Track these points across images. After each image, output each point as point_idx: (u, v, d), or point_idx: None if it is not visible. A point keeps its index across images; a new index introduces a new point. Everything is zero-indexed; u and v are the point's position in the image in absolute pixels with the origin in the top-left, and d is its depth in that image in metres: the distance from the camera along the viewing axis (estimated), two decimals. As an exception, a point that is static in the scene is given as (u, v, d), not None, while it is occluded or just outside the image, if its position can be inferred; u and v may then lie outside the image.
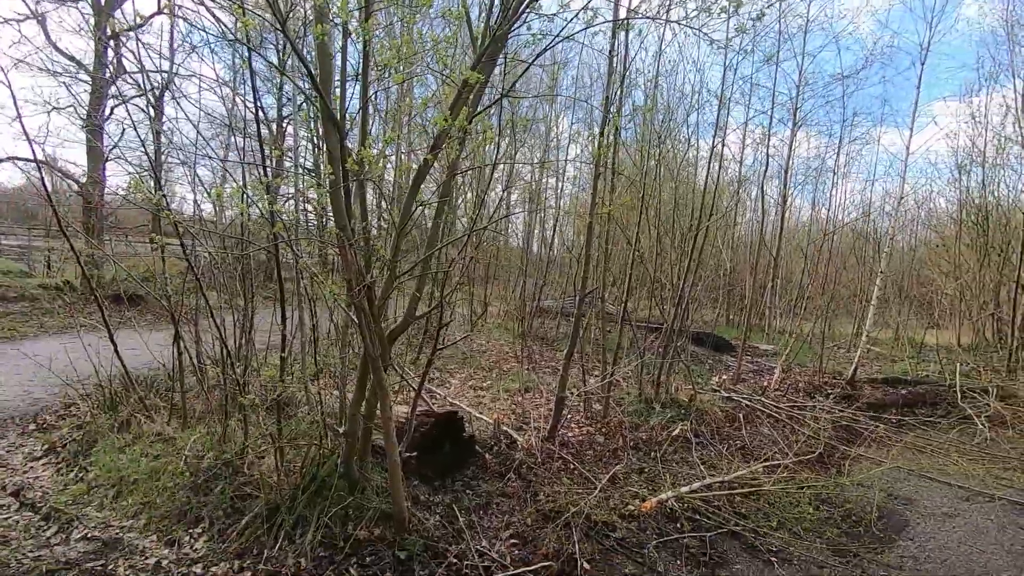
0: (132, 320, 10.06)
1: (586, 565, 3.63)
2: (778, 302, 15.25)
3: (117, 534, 3.58)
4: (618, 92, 5.35)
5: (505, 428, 5.14)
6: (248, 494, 3.77)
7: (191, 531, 3.59)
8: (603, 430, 5.72)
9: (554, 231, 11.77)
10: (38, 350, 8.70)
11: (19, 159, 13.68)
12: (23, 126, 4.28)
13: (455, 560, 3.44)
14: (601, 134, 4.81)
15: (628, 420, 5.96)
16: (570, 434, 5.50)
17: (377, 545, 3.47)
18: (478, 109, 3.18)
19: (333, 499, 3.57)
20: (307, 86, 3.20)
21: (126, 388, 5.23)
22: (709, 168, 6.88)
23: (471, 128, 2.87)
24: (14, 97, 4.34)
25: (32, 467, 4.53)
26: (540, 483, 4.50)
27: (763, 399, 7.62)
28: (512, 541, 3.78)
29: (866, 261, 13.17)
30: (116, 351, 4.67)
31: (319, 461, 3.73)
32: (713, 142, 6.79)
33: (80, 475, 4.24)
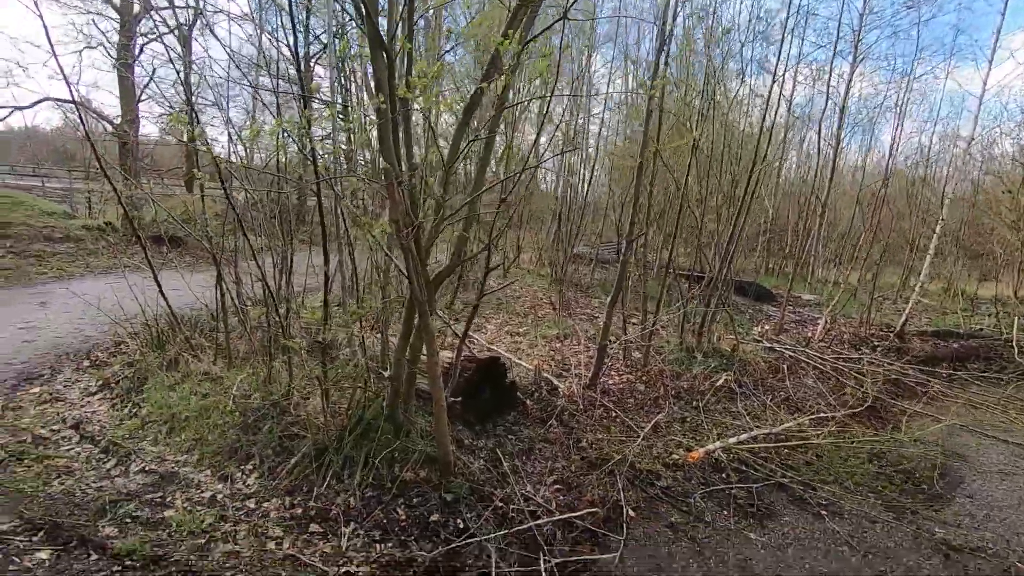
0: (173, 261, 10.24)
1: (631, 512, 3.60)
2: (823, 250, 14.61)
3: (173, 468, 3.69)
4: (672, 20, 4.91)
5: (546, 375, 5.08)
6: (295, 434, 3.81)
7: (242, 468, 3.67)
8: (644, 379, 5.63)
9: (590, 175, 11.33)
10: (85, 289, 8.95)
11: (56, 99, 13.71)
12: (59, 64, 4.12)
13: (501, 504, 3.45)
14: (656, 67, 4.43)
15: (669, 369, 5.84)
16: (611, 382, 5.42)
17: (423, 487, 3.49)
18: (530, 36, 2.91)
19: (379, 441, 3.58)
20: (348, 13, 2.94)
21: (172, 328, 5.31)
22: (768, 106, 6.37)
23: (525, 52, 2.61)
24: (47, 33, 4.19)
25: (89, 402, 4.69)
26: (582, 430, 4.46)
27: (807, 350, 7.39)
28: (556, 487, 3.77)
29: (921, 208, 12.40)
30: (161, 291, 4.70)
31: (364, 404, 3.72)
32: (774, 78, 6.27)
33: (134, 411, 4.36)
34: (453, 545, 3.08)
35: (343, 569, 2.86)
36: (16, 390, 4.90)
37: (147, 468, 3.67)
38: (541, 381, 4.94)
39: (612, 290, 5.20)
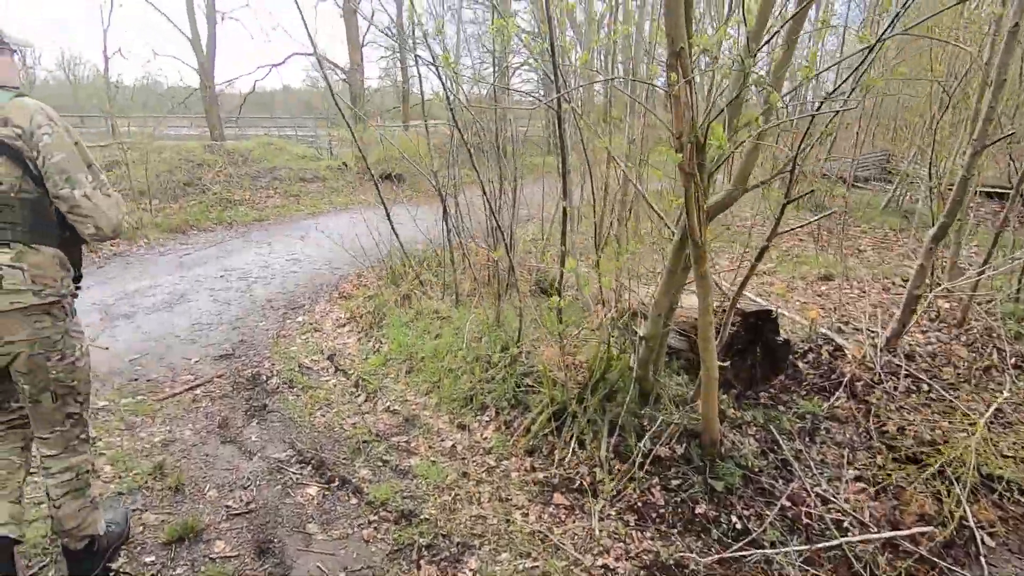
0: (397, 196, 10.93)
1: (987, 539, 2.54)
2: None
3: (414, 410, 3.65)
4: None
5: (823, 330, 3.99)
6: (529, 387, 3.47)
7: (479, 418, 3.48)
8: (963, 339, 4.14)
9: (862, 72, 8.78)
10: (332, 224, 10.02)
11: (301, 53, 15.37)
12: (305, 22, 4.16)
13: (788, 503, 2.68)
14: None
15: (1001, 327, 4.21)
16: (914, 342, 4.08)
17: (682, 467, 2.88)
18: None
19: (626, 407, 3.03)
20: None
21: (404, 264, 5.41)
22: None
23: None
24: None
25: (340, 333, 5.03)
26: (885, 408, 3.36)
27: None
28: (860, 485, 2.84)
29: None
30: (393, 229, 4.70)
31: (607, 361, 3.18)
32: None
33: (377, 347, 4.51)
34: (732, 551, 2.43)
35: (599, 560, 2.43)
36: (286, 318, 5.51)
37: (391, 408, 3.70)
38: (818, 338, 3.88)
39: (934, 220, 3.75)
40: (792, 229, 3.44)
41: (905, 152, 7.71)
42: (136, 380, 4.14)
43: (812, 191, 3.52)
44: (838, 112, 2.14)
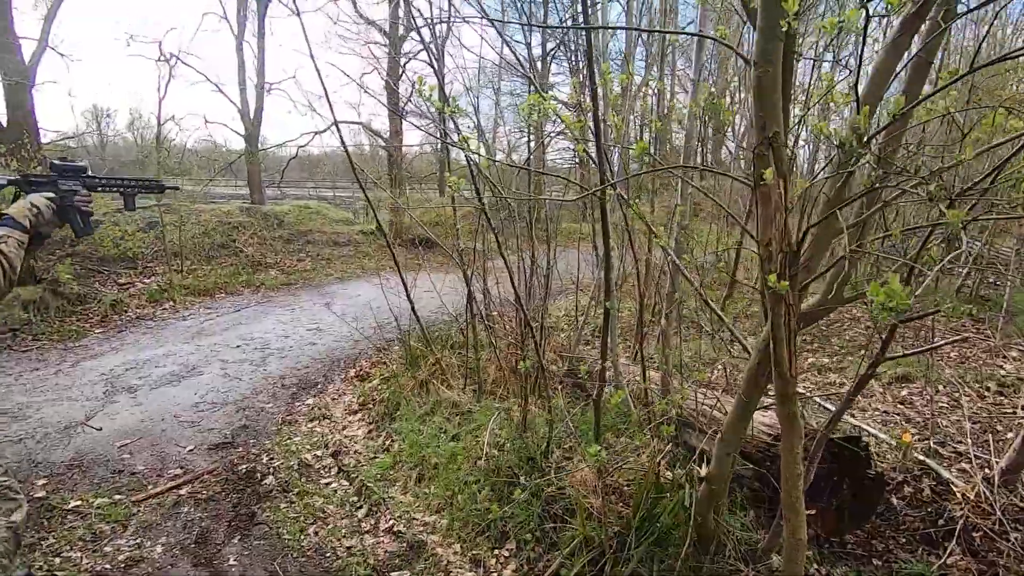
0: (425, 263, 10.67)
1: None
2: None
3: (420, 533, 3.08)
4: None
5: (918, 455, 3.29)
6: (558, 515, 2.88)
7: (496, 552, 2.88)
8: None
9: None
10: (358, 290, 9.80)
11: (342, 122, 15.80)
12: (329, 102, 4.14)
13: None
14: None
15: None
16: (1032, 472, 3.32)
17: (757, 651, 2.21)
18: None
19: (682, 559, 2.40)
20: None
21: (424, 343, 4.97)
22: None
23: None
24: (323, 82, 4.07)
25: (349, 422, 4.54)
26: (1016, 572, 2.63)
27: None
28: None
29: None
30: (413, 310, 4.30)
31: (655, 494, 2.59)
32: None
33: (387, 443, 4.00)
34: None
35: None
36: (295, 400, 5.07)
37: (395, 528, 3.13)
38: (914, 466, 3.19)
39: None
40: (905, 355, 2.85)
41: (982, 230, 7.05)
42: (120, 472, 3.72)
43: (939, 310, 2.95)
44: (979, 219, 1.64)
